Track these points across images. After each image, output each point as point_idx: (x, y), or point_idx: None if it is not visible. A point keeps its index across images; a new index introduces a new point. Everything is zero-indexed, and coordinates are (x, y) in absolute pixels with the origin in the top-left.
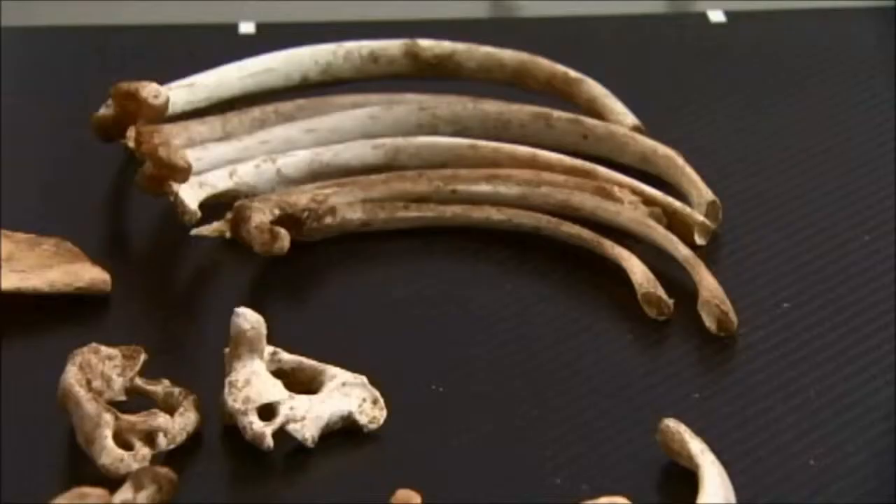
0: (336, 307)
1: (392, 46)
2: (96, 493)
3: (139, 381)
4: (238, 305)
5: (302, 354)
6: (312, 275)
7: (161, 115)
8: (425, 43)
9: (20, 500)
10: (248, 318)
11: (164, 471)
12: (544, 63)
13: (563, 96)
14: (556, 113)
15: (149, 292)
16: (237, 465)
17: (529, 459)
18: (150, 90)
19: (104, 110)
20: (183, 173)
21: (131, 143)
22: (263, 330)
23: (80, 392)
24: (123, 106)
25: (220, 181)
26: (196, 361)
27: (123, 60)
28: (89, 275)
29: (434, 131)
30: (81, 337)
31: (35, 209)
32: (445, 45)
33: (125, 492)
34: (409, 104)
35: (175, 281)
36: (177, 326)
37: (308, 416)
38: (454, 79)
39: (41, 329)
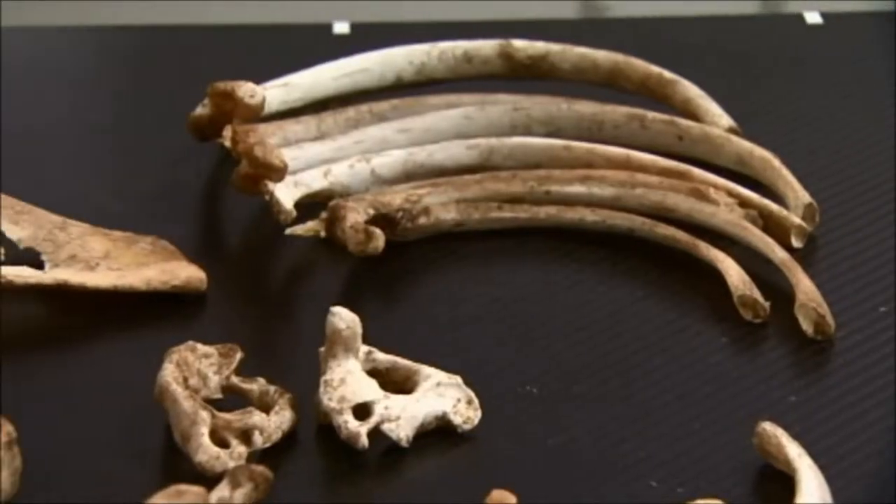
0: (429, 307)
1: (486, 47)
2: (194, 490)
3: (235, 380)
4: (332, 305)
5: (395, 354)
6: (406, 275)
7: (257, 115)
8: (519, 43)
9: (118, 497)
10: (344, 318)
11: (260, 469)
12: (639, 64)
13: (657, 97)
14: (651, 114)
15: (244, 291)
16: (331, 463)
17: (625, 461)
18: (247, 90)
19: (200, 110)
20: (279, 173)
21: (227, 143)
22: (359, 329)
23: (178, 390)
24: (219, 105)
25: (314, 181)
26: (291, 360)
27: (219, 60)
28: (185, 273)
29: (528, 132)
30: (177, 335)
31: (132, 207)
32: (539, 46)
33: (222, 489)
34: (504, 104)
35: (270, 280)
36: (271, 325)
37: (403, 415)
38: (548, 79)
39: (137, 326)
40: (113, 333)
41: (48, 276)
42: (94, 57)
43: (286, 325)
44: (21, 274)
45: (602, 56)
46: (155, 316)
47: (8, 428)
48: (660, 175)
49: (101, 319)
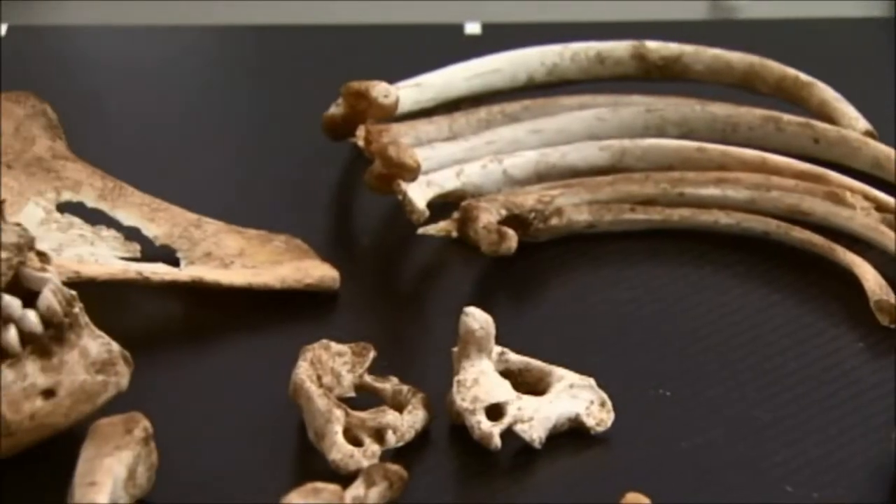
0: (561, 308)
1: (619, 48)
2: (330, 488)
3: (368, 378)
4: (463, 305)
5: (527, 355)
6: (537, 275)
7: (390, 115)
8: (652, 44)
9: (252, 494)
10: (478, 318)
11: (394, 468)
12: (774, 66)
13: (792, 100)
14: (787, 116)
15: (376, 290)
16: (464, 463)
17: (759, 465)
18: (381, 89)
19: (334, 109)
20: (412, 172)
21: (361, 142)
22: (492, 330)
23: (312, 388)
24: (353, 105)
25: (447, 181)
26: (422, 359)
27: (352, 60)
28: (319, 271)
29: (661, 133)
30: (310, 333)
31: (266, 206)
32: (673, 47)
33: (357, 488)
34: (636, 106)
35: (402, 279)
36: (403, 324)
37: (536, 416)
38: (681, 81)
39: (271, 324)
40: (247, 331)
41: (184, 273)
42: (229, 56)
43: (418, 325)
44: (157, 271)
45: (736, 57)
46: (288, 314)
47: (145, 423)
48: (795, 178)
49: (235, 317)
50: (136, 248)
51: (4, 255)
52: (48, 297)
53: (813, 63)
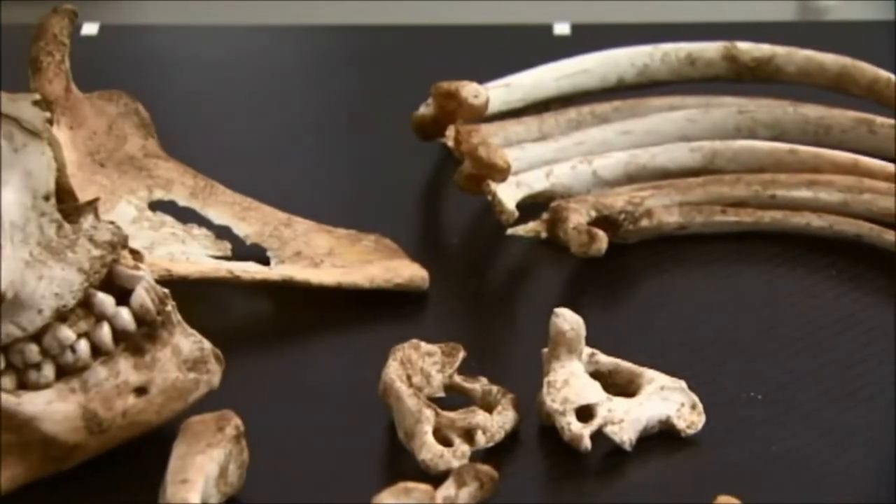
0: (651, 310)
1: (710, 49)
2: (421, 488)
3: (458, 379)
4: (552, 305)
5: (615, 356)
6: (627, 277)
7: (480, 115)
8: (744, 46)
9: (341, 493)
10: (568, 319)
11: (485, 468)
12: (867, 68)
13: (884, 102)
14: (880, 119)
15: (465, 290)
16: (553, 464)
17: (850, 470)
18: (471, 90)
19: (424, 109)
20: (502, 173)
21: (450, 142)
22: (583, 331)
23: (402, 387)
24: (443, 105)
25: (536, 181)
26: (511, 360)
27: (441, 60)
28: (408, 271)
29: (752, 135)
30: (400, 333)
31: (355, 206)
32: (765, 49)
33: (448, 488)
34: (728, 107)
35: (490, 279)
36: (492, 324)
37: (626, 418)
38: (772, 82)
39: (360, 323)
40: (336, 330)
41: (274, 272)
42: (320, 56)
43: (506, 325)
44: (248, 269)
45: (829, 59)
46: (377, 313)
47: (236, 421)
48: (888, 181)
49: (324, 316)
50: (226, 247)
51: (98, 253)
52: (141, 295)
53: None
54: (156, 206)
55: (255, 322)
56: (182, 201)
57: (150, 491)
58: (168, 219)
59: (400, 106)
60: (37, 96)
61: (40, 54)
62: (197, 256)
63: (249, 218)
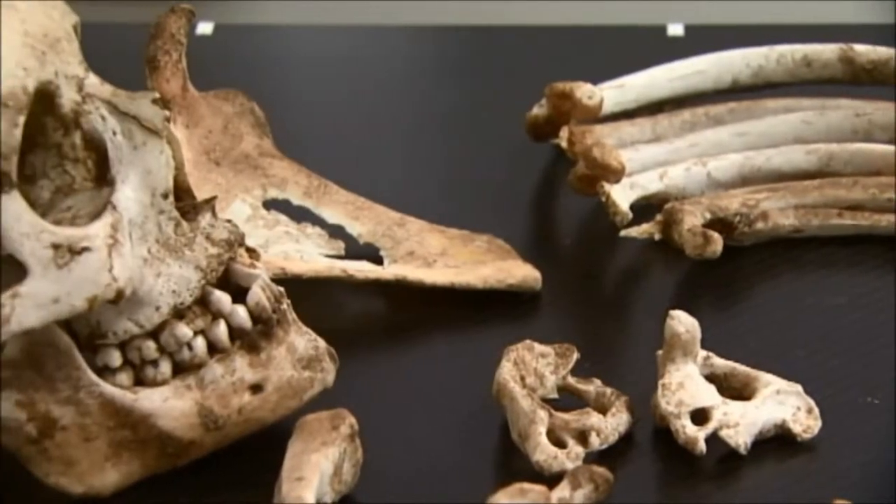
0: (765, 313)
1: (826, 51)
2: (536, 489)
3: (571, 380)
4: (666, 307)
5: (730, 359)
6: (741, 279)
7: (594, 116)
8: (860, 48)
9: (454, 493)
10: (683, 322)
11: (600, 470)
12: None
13: None
14: None
15: (578, 291)
16: (668, 467)
17: None
18: (585, 91)
19: (537, 110)
20: (616, 174)
21: (564, 143)
22: (698, 334)
23: (516, 388)
24: (557, 106)
25: (650, 183)
26: (624, 361)
27: (555, 60)
28: (521, 272)
29: (869, 138)
30: (512, 333)
31: (468, 206)
32: (882, 51)
33: (563, 489)
34: (844, 109)
35: (604, 280)
36: (605, 326)
37: (741, 422)
38: (889, 85)
39: (473, 324)
40: (449, 330)
41: (387, 271)
42: (433, 56)
43: (620, 327)
44: (361, 269)
45: None
46: (490, 314)
47: (351, 420)
48: None
49: (437, 315)
50: (340, 246)
51: (215, 251)
52: (257, 294)
53: None
54: (270, 204)
55: (367, 321)
56: (296, 200)
57: (264, 488)
58: (282, 217)
59: (513, 106)
60: (156, 95)
61: (158, 53)
62: (311, 255)
63: (363, 217)
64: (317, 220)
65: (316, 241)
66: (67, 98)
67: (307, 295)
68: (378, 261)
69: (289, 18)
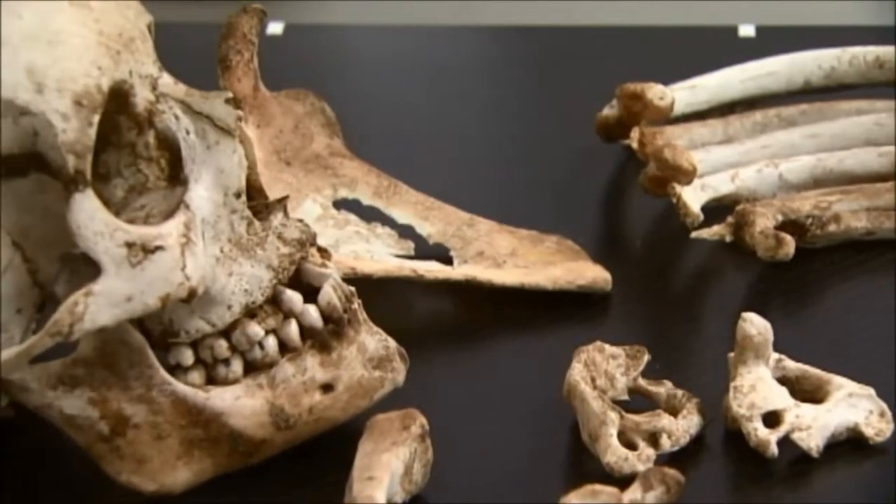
0: (837, 316)
1: None
2: (608, 490)
3: (642, 382)
4: (737, 309)
5: (802, 362)
6: (813, 282)
7: (665, 117)
8: None
9: (524, 494)
10: (756, 324)
11: (672, 472)
12: None
13: None
14: None
15: (647, 292)
16: (739, 469)
17: None
18: (656, 91)
19: (608, 110)
20: (688, 176)
21: (635, 144)
22: (770, 336)
23: (587, 389)
24: (628, 106)
25: (722, 184)
26: (695, 363)
27: (625, 61)
28: (591, 273)
29: None
30: (582, 334)
31: (537, 206)
32: None
33: (634, 491)
34: None
35: (674, 282)
36: (675, 327)
37: (814, 425)
38: None
39: (542, 324)
40: (519, 330)
41: (457, 271)
42: (503, 56)
43: (690, 328)
44: (431, 269)
45: None
46: (559, 315)
47: (421, 420)
48: None
49: (507, 316)
50: (409, 246)
51: (287, 250)
52: (329, 293)
53: None
54: (340, 204)
55: (437, 321)
56: (366, 200)
57: (334, 487)
58: (352, 217)
59: (583, 107)
60: (229, 94)
61: (229, 53)
62: (380, 255)
63: (432, 217)
64: (387, 220)
65: (386, 240)
66: (141, 97)
67: (377, 295)
68: (447, 261)
69: (358, 18)
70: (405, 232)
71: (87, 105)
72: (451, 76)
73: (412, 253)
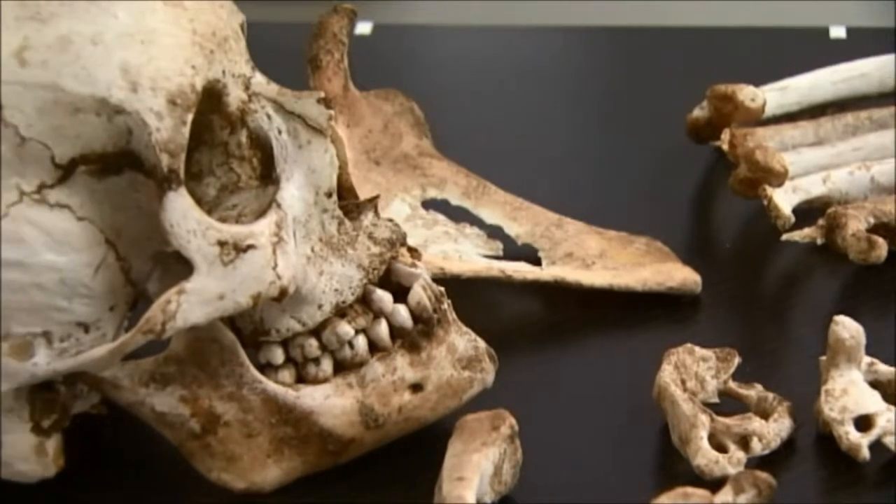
0: None
1: None
2: (699, 493)
3: (732, 385)
4: (828, 313)
5: (893, 365)
6: None
7: (756, 119)
8: None
9: (613, 495)
10: (848, 327)
11: (763, 475)
12: None
13: None
14: None
15: (738, 294)
16: (830, 473)
17: None
18: (748, 93)
19: (698, 112)
20: (779, 177)
21: (725, 146)
22: (863, 340)
23: (677, 392)
24: (719, 108)
25: (813, 186)
26: (785, 366)
27: (716, 62)
28: (680, 275)
29: None
30: (671, 336)
31: (626, 207)
32: None
33: (725, 494)
34: None
35: (765, 284)
36: (765, 330)
37: None
38: None
39: (631, 326)
40: (607, 332)
41: (546, 272)
42: (593, 57)
43: (781, 331)
44: (519, 269)
45: None
46: (648, 316)
47: (511, 421)
48: None
49: (595, 317)
50: (498, 246)
51: (377, 250)
52: (419, 293)
53: None
54: (429, 204)
55: (526, 322)
56: (454, 200)
57: (423, 487)
58: (441, 217)
59: (674, 108)
60: (321, 94)
61: (320, 53)
62: (469, 255)
63: (521, 218)
64: (475, 221)
65: (474, 241)
66: (234, 97)
67: (465, 295)
68: (536, 262)
69: (446, 18)
70: (493, 232)
71: (181, 104)
72: (542, 77)
73: (500, 253)
